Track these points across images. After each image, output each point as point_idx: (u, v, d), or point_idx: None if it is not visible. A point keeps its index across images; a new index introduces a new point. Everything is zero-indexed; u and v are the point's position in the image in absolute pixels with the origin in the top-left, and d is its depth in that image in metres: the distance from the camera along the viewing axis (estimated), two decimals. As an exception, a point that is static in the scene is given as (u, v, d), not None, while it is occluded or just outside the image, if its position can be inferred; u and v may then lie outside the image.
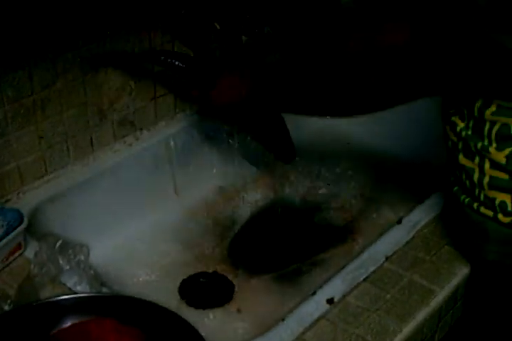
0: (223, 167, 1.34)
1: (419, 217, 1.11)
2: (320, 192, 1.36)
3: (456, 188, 0.98)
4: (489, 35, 0.79)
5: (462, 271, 1.03)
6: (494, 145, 0.88)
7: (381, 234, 1.09)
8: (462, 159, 0.93)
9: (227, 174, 1.33)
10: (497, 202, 0.91)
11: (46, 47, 1.07)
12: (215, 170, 1.35)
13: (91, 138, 1.20)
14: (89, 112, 1.18)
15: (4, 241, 0.96)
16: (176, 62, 1.05)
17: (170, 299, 1.09)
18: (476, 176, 0.92)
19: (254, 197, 1.33)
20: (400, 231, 1.09)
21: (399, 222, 1.10)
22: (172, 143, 1.28)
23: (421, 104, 0.90)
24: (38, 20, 1.03)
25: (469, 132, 0.91)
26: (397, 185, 1.34)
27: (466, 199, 0.95)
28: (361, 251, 1.05)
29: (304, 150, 1.39)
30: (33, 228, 1.05)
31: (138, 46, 1.20)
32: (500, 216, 0.91)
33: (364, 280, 1.00)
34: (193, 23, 1.21)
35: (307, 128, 1.42)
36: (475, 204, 0.94)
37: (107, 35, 1.15)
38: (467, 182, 0.94)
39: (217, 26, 1.20)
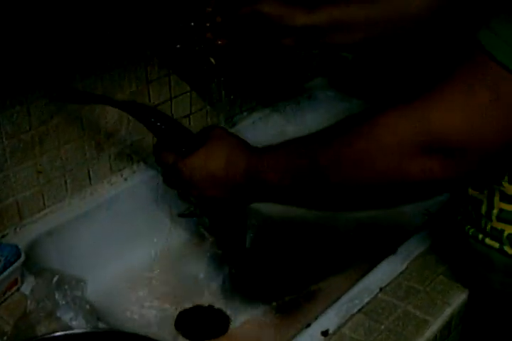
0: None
1: (414, 247, 1.12)
2: (315, 222, 1.37)
3: (460, 217, 0.97)
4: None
5: (456, 301, 1.03)
6: (506, 178, 0.87)
7: (375, 265, 1.09)
8: (470, 190, 0.92)
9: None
10: (505, 234, 0.90)
11: (43, 82, 1.08)
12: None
13: (88, 172, 1.22)
14: (87, 146, 1.20)
15: (1, 277, 0.97)
16: (158, 123, 0.98)
17: (166, 332, 1.09)
18: (483, 208, 0.91)
19: (249, 231, 1.33)
20: (394, 261, 1.09)
21: (393, 252, 1.11)
22: (169, 175, 1.29)
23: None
24: (35, 57, 1.05)
25: None
26: (391, 215, 1.35)
27: (471, 230, 0.95)
28: (356, 282, 1.06)
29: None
30: (30, 262, 1.06)
31: (135, 81, 1.22)
32: (507, 248, 0.90)
33: (358, 311, 1.00)
34: (188, 57, 1.23)
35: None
36: (480, 236, 0.93)
37: (104, 70, 1.17)
38: (473, 213, 0.93)
39: (213, 61, 1.22)
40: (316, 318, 0.99)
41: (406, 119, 0.72)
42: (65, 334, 0.85)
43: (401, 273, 1.08)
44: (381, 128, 0.73)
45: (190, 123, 1.36)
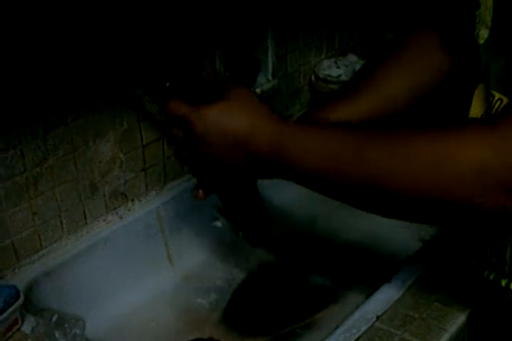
0: (214, 233, 1.36)
1: (408, 275, 1.13)
2: (312, 253, 1.38)
3: (474, 262, 0.95)
4: None
5: (452, 327, 1.04)
6: None
7: (371, 293, 1.10)
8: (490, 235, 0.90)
9: (219, 240, 1.35)
10: None
11: (36, 124, 1.10)
12: (207, 237, 1.37)
13: (84, 211, 1.23)
14: (81, 186, 1.21)
15: (1, 317, 0.97)
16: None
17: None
18: (509, 252, 0.88)
19: (246, 261, 1.34)
20: (390, 289, 1.10)
21: (388, 280, 1.12)
22: (163, 212, 1.31)
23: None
24: (27, 99, 1.07)
25: None
26: (385, 243, 1.36)
27: (491, 275, 0.92)
28: (352, 311, 1.07)
29: (295, 209, 1.43)
30: (30, 302, 1.07)
31: (126, 120, 1.24)
32: None
33: (356, 340, 1.01)
34: (178, 95, 1.25)
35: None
36: (504, 282, 0.90)
37: (96, 110, 1.19)
38: (493, 259, 0.90)
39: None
40: (314, 349, 1.00)
41: (490, 148, 0.63)
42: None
43: (397, 301, 1.09)
44: (457, 150, 0.65)
45: (182, 160, 1.37)
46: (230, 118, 0.78)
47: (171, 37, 1.26)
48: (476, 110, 0.88)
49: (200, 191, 0.92)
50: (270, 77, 1.50)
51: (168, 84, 1.24)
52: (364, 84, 0.97)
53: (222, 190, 0.91)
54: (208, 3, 1.31)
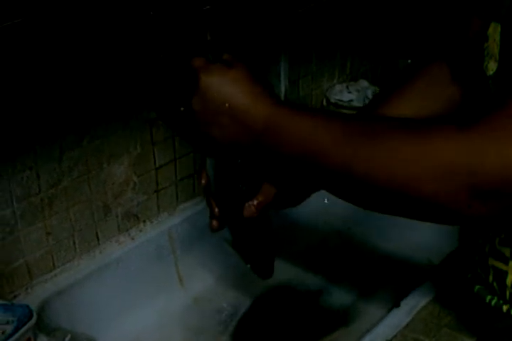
0: (225, 255, 1.36)
1: (418, 299, 1.13)
2: (321, 275, 1.39)
3: (478, 287, 0.95)
4: None
5: (462, 352, 1.05)
6: None
7: (381, 318, 1.11)
8: (491, 260, 0.90)
9: (230, 262, 1.35)
10: None
11: (52, 146, 1.12)
12: (218, 258, 1.38)
13: (97, 232, 1.24)
14: (95, 207, 1.23)
15: (14, 337, 0.98)
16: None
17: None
18: (509, 279, 0.88)
19: (256, 283, 1.35)
20: (399, 314, 1.11)
21: (397, 305, 1.12)
22: (175, 233, 1.32)
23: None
24: (43, 122, 1.09)
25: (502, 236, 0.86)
26: (395, 268, 1.37)
27: (493, 301, 0.92)
28: (362, 335, 1.07)
29: (304, 230, 1.44)
30: (42, 322, 1.08)
31: (140, 143, 1.26)
32: None
33: (366, 364, 1.02)
34: (191, 119, 1.27)
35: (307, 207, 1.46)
36: (505, 307, 0.90)
37: (111, 133, 1.20)
38: (495, 284, 0.91)
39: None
40: (324, 372, 1.00)
41: (459, 148, 0.65)
42: None
43: (406, 325, 1.09)
44: (427, 148, 0.67)
45: (194, 183, 1.39)
46: (234, 86, 0.78)
47: (185, 62, 1.28)
48: None
49: (215, 222, 0.92)
50: (282, 101, 1.52)
51: (183, 109, 1.26)
52: (379, 110, 0.98)
53: (235, 220, 0.92)
54: (221, 28, 1.33)
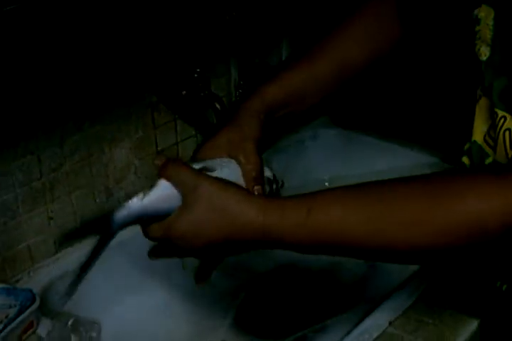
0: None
1: (421, 281, 1.14)
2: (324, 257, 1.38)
3: (487, 273, 0.96)
4: None
5: (465, 333, 1.04)
6: None
7: (384, 299, 1.11)
8: None
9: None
10: None
11: (54, 131, 1.12)
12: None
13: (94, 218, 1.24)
14: (96, 191, 1.22)
15: (17, 321, 0.98)
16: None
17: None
18: None
19: (260, 264, 1.35)
20: (403, 295, 1.11)
21: (401, 286, 1.13)
22: (177, 217, 1.31)
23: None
24: (44, 107, 1.09)
25: None
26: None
27: (504, 286, 0.93)
28: (365, 316, 1.07)
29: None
30: (45, 306, 1.08)
31: (141, 127, 1.26)
32: None
33: (368, 345, 1.02)
34: (194, 102, 1.27)
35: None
36: None
37: (112, 117, 1.20)
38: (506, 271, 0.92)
39: (218, 106, 1.25)
40: (326, 354, 1.00)
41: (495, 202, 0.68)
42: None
43: (410, 306, 1.09)
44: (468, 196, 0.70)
45: (196, 166, 1.39)
46: (208, 232, 0.79)
47: (188, 45, 1.28)
48: (479, 126, 0.89)
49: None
50: (284, 84, 1.51)
51: (184, 92, 1.26)
52: (324, 45, 1.00)
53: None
54: (224, 12, 1.33)
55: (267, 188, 0.89)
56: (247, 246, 0.81)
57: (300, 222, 0.76)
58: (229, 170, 0.86)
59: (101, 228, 0.86)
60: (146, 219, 0.84)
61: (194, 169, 0.83)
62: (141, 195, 0.83)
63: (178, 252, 0.85)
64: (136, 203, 0.83)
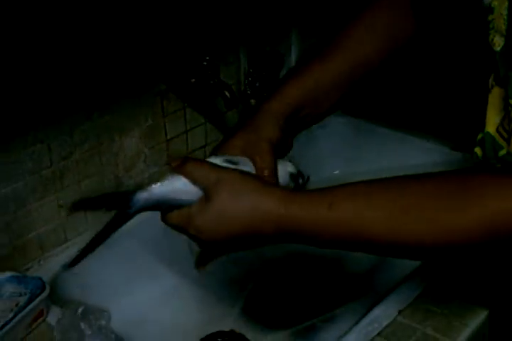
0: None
1: (430, 271, 1.13)
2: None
3: (497, 264, 0.96)
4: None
5: (474, 323, 1.04)
6: None
7: (393, 288, 1.11)
8: None
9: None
10: None
11: (64, 120, 1.12)
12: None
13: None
14: (106, 180, 1.23)
15: (27, 309, 0.99)
16: None
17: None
18: None
19: (270, 253, 1.35)
20: (412, 285, 1.11)
21: (411, 276, 1.13)
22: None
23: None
24: (54, 95, 1.09)
25: None
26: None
27: None
28: (374, 306, 1.07)
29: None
30: (55, 294, 1.08)
31: (151, 115, 1.25)
32: None
33: (378, 334, 1.01)
34: (203, 90, 1.27)
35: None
36: None
37: (121, 106, 1.20)
38: None
39: (227, 94, 1.25)
40: (336, 342, 1.00)
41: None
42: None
43: (419, 296, 1.09)
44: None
45: (206, 154, 1.39)
46: (227, 222, 0.79)
47: (197, 33, 1.27)
48: (492, 117, 0.89)
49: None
50: (294, 73, 1.51)
51: (193, 80, 1.26)
52: (337, 43, 0.99)
53: None
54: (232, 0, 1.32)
55: (291, 184, 0.90)
56: (264, 240, 0.80)
57: (321, 216, 0.76)
58: (248, 167, 0.86)
59: (118, 205, 0.84)
60: (164, 207, 0.83)
61: (213, 163, 0.83)
62: (159, 184, 0.83)
63: (198, 243, 0.84)
64: (158, 188, 0.83)
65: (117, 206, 0.84)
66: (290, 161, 0.92)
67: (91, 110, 1.16)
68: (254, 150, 0.88)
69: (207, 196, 0.79)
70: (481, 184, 0.72)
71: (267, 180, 0.84)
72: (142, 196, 0.83)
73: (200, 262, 0.90)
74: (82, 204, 0.91)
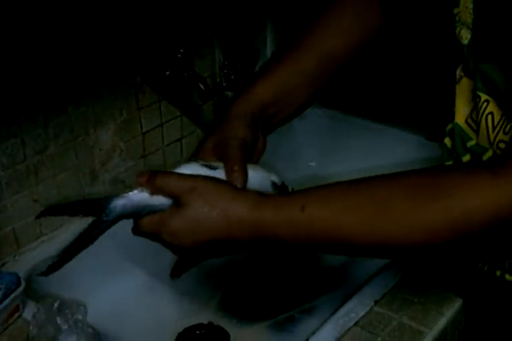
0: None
1: (406, 261, 1.14)
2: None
3: (469, 256, 0.98)
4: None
5: (450, 311, 1.05)
6: None
7: (370, 279, 1.11)
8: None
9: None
10: None
11: (37, 113, 1.11)
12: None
13: (84, 198, 1.24)
14: (81, 174, 1.22)
15: (3, 304, 0.98)
16: None
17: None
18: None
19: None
20: (388, 274, 1.11)
21: (387, 266, 1.13)
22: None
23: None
24: (28, 88, 1.08)
25: None
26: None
27: (486, 267, 0.94)
28: (351, 296, 1.07)
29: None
30: (31, 289, 1.08)
31: (126, 108, 1.25)
32: None
33: (355, 324, 1.02)
34: (178, 83, 1.26)
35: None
36: (498, 272, 0.93)
37: (96, 99, 1.20)
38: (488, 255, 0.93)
39: (202, 86, 1.25)
40: (313, 333, 1.00)
41: (489, 195, 0.70)
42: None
43: (395, 285, 1.10)
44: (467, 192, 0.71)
45: (182, 147, 1.38)
46: (202, 230, 0.79)
47: (171, 25, 1.27)
48: (461, 108, 0.89)
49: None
50: (269, 65, 1.51)
51: (168, 73, 1.26)
52: (307, 38, 1.00)
53: None
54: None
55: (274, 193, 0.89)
56: (240, 246, 0.81)
57: (294, 218, 0.76)
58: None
59: (94, 212, 0.82)
60: (142, 214, 0.82)
61: (182, 174, 0.83)
62: (135, 191, 0.82)
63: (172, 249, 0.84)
64: (136, 194, 0.82)
65: (93, 212, 0.82)
66: (274, 172, 0.91)
67: (65, 103, 1.15)
68: (223, 149, 0.88)
69: (179, 203, 0.79)
70: (450, 184, 0.72)
71: (237, 184, 0.84)
72: (119, 203, 0.81)
73: (175, 272, 0.90)
74: (56, 210, 0.89)
